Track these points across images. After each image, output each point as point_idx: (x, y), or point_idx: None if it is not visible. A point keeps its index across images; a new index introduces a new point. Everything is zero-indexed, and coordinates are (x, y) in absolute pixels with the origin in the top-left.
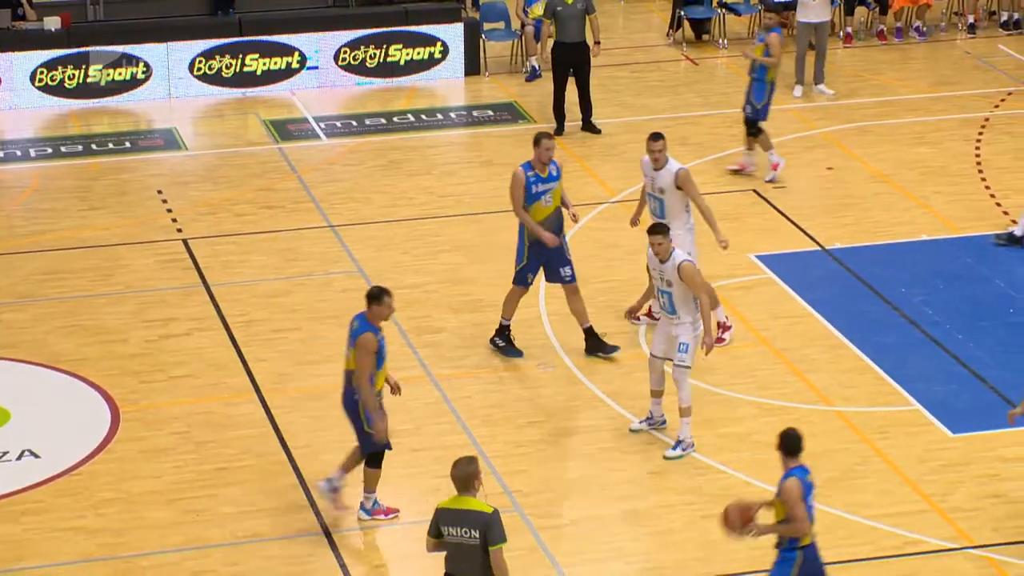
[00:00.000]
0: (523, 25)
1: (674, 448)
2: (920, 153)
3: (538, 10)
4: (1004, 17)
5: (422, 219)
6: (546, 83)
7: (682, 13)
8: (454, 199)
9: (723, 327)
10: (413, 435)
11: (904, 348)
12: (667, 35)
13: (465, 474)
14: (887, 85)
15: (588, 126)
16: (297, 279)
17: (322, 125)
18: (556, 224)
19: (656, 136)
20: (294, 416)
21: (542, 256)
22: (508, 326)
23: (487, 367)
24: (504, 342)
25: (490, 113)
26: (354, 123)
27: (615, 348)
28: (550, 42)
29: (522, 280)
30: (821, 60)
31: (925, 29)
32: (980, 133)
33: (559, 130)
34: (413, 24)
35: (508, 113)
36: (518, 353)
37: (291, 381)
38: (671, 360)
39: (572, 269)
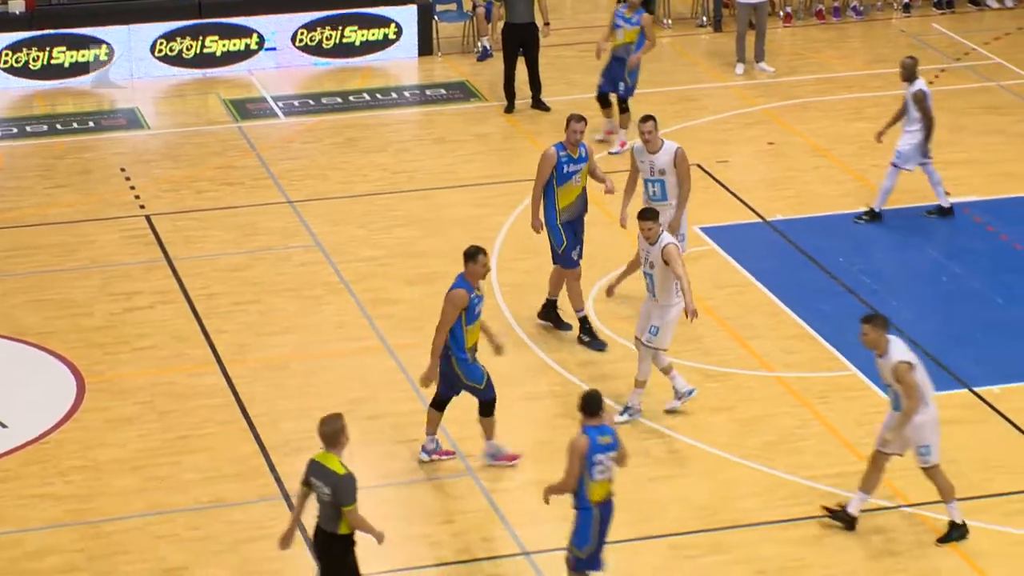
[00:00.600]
0: (474, 6)
1: (622, 413)
2: (858, 128)
3: None
4: None
5: (377, 195)
6: (497, 63)
7: None
8: (408, 175)
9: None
10: (370, 402)
11: (843, 315)
12: None
13: (331, 431)
14: (825, 63)
15: (537, 104)
16: (257, 253)
17: (280, 104)
18: (583, 205)
19: (646, 117)
20: (254, 386)
21: (574, 232)
22: (584, 317)
23: None
24: (588, 336)
25: (443, 92)
26: (311, 102)
27: (568, 327)
28: (501, 23)
29: (571, 262)
30: (761, 39)
31: (862, 8)
32: None
33: (509, 108)
34: (368, 6)
35: (460, 92)
36: (601, 345)
37: (251, 352)
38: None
39: (581, 250)
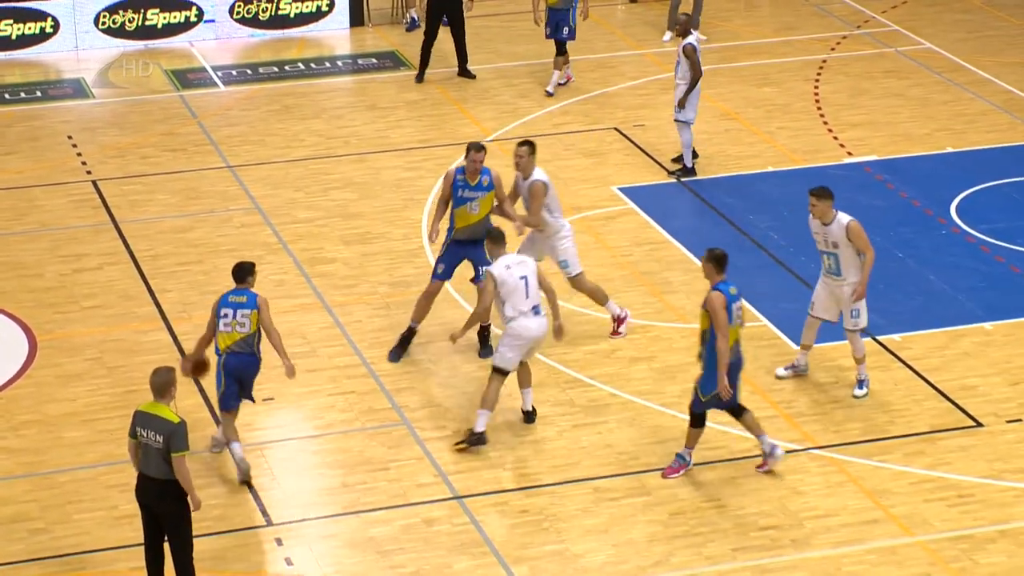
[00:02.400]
0: None
1: (859, 387)
2: (765, 92)
3: None
4: None
5: (313, 159)
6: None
7: None
8: (342, 140)
9: (618, 320)
10: (309, 357)
11: (753, 270)
12: None
13: (162, 382)
14: (735, 31)
15: (464, 72)
16: (199, 216)
17: (219, 74)
18: (480, 232)
19: (522, 143)
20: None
21: (460, 255)
22: (413, 331)
23: (375, 294)
24: (400, 347)
25: (374, 61)
26: (249, 71)
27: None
28: None
29: (433, 272)
30: (698, 9)
31: None
32: (818, 74)
33: (419, 77)
34: None
35: (390, 61)
36: (395, 358)
37: (195, 310)
38: (830, 321)
39: (450, 269)
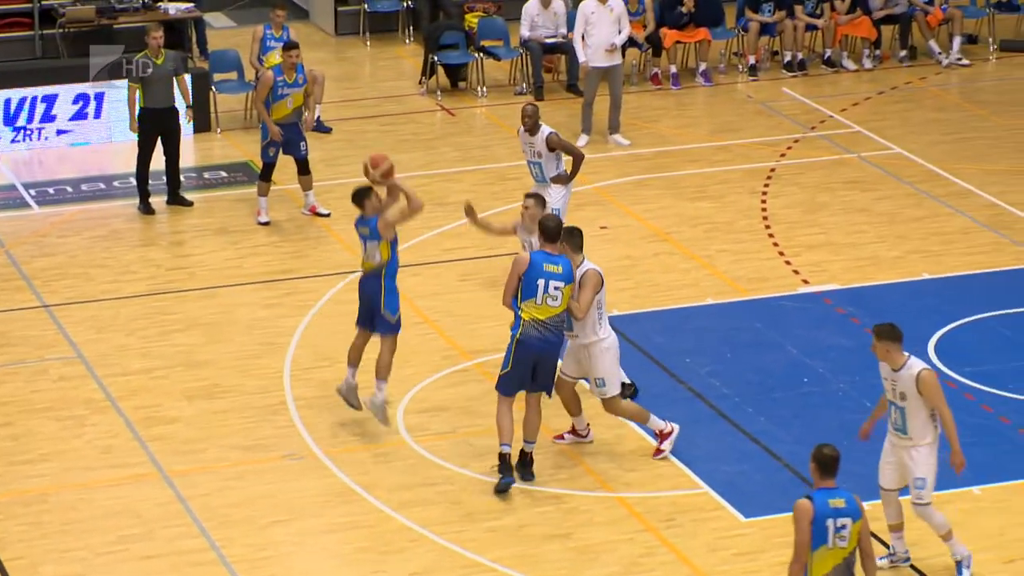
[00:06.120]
0: (258, 75)
1: (960, 572)
2: (702, 208)
3: (274, 58)
4: (787, 58)
5: (150, 295)
6: None
7: (435, 59)
8: (186, 272)
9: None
10: (144, 540)
11: (690, 425)
12: (419, 83)
13: None
14: (664, 134)
15: (177, 199)
16: (6, 367)
17: (32, 192)
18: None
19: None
20: (6, 524)
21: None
22: None
23: (226, 461)
24: None
25: (223, 175)
26: (69, 189)
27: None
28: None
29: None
30: (616, 108)
31: (709, 72)
32: (766, 185)
33: (144, 207)
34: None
35: (243, 174)
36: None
37: (1, 484)
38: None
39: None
